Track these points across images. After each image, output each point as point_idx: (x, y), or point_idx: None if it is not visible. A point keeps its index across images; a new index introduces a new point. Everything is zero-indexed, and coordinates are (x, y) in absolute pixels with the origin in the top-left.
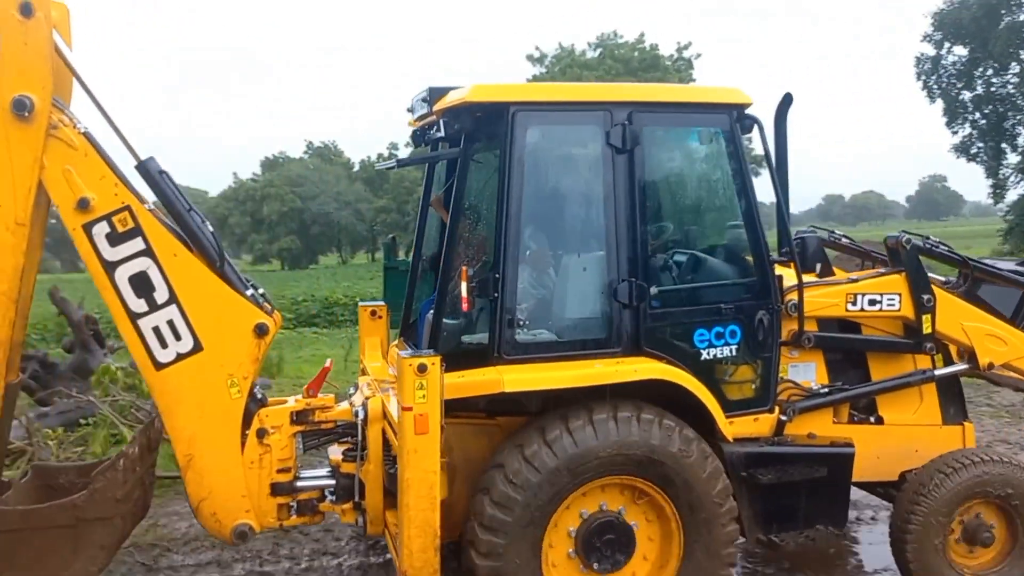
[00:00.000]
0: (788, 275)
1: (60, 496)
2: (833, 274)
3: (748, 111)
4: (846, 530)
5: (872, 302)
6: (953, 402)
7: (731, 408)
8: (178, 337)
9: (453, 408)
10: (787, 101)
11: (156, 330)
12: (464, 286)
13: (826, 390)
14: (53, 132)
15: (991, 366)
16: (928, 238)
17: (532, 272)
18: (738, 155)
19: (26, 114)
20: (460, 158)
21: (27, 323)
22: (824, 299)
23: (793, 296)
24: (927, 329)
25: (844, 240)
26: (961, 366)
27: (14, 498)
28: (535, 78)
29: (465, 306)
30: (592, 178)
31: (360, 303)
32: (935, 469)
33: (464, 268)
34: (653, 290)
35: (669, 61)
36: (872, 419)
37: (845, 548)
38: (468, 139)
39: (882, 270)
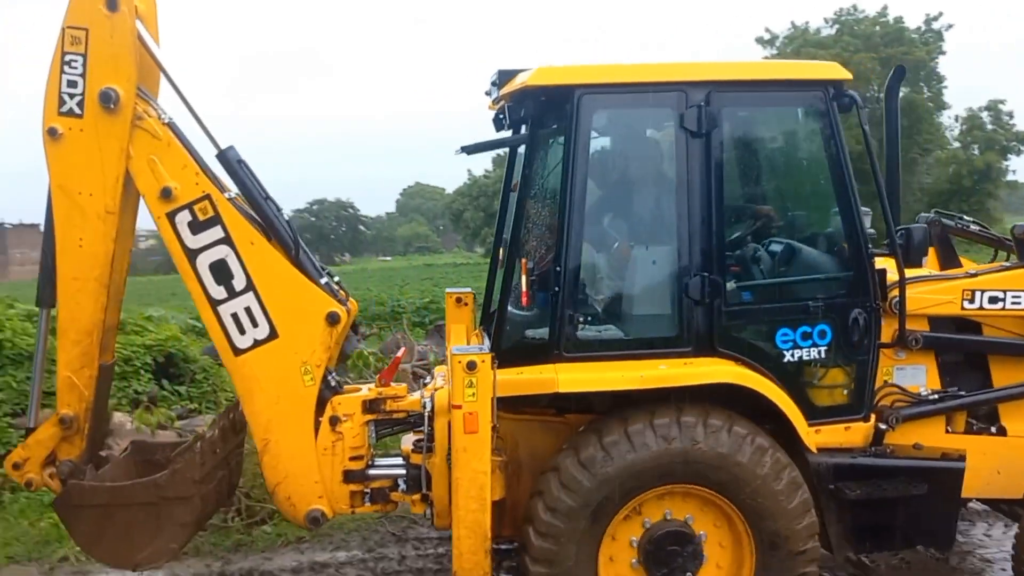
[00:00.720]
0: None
1: (158, 472)
2: (960, 266)
3: (847, 88)
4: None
5: (993, 300)
6: None
7: (818, 415)
8: (255, 324)
9: (520, 404)
10: (898, 75)
11: (235, 316)
12: (524, 279)
13: (936, 396)
14: (138, 123)
15: None
16: None
17: (598, 265)
18: (834, 137)
19: (112, 106)
20: (527, 144)
21: (120, 307)
22: (937, 296)
23: (907, 293)
24: None
25: (974, 227)
26: None
27: (111, 473)
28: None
29: (524, 300)
30: (665, 165)
31: (447, 290)
32: None
33: (524, 260)
34: (730, 285)
35: (915, 34)
36: (993, 429)
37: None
38: (534, 124)
39: (1007, 264)
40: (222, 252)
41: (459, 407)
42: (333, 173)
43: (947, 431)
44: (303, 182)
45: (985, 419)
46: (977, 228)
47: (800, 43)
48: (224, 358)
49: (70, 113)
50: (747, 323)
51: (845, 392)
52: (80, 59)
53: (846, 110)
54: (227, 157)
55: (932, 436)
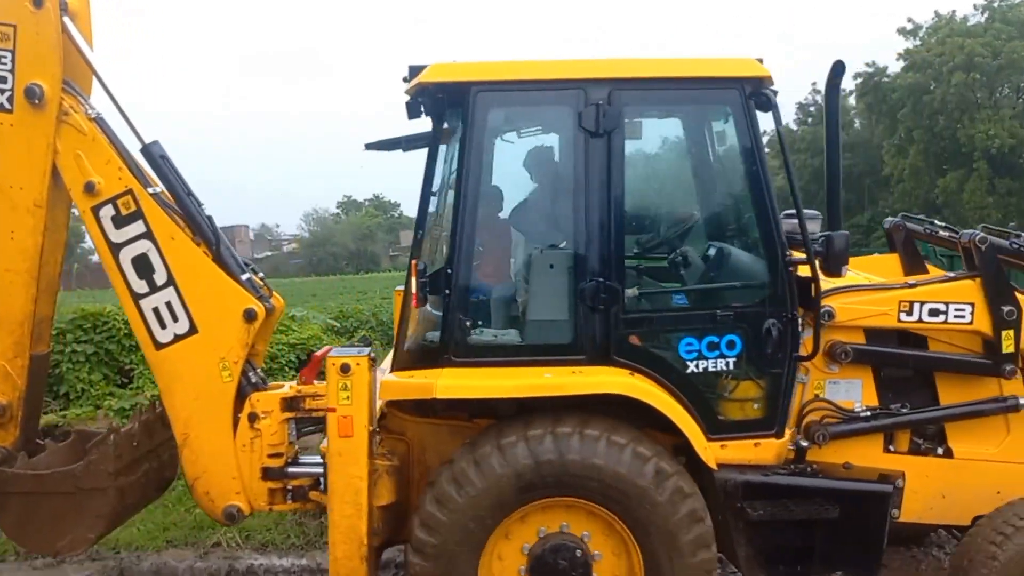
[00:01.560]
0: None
1: None
2: (927, 273)
3: (765, 86)
4: None
5: (934, 312)
6: None
7: (724, 430)
8: (175, 319)
9: (428, 409)
10: (837, 71)
11: (156, 311)
12: (413, 281)
13: (868, 413)
14: (64, 118)
15: None
16: (1021, 235)
17: (491, 268)
18: (750, 137)
19: (37, 101)
20: (429, 143)
21: (55, 299)
22: (871, 307)
23: (830, 302)
24: (1007, 348)
25: (943, 233)
26: None
27: (46, 461)
28: (907, 52)
29: (414, 303)
30: (563, 166)
31: (397, 288)
32: (1001, 521)
33: (414, 262)
34: (630, 292)
35: None
36: (940, 451)
37: None
38: (436, 121)
39: (951, 274)
40: (144, 247)
41: (333, 411)
42: None
43: (888, 451)
44: None
45: (932, 439)
46: (947, 234)
47: (946, 32)
48: (145, 352)
49: (0, 108)
50: (647, 332)
51: (755, 406)
52: (9, 55)
53: (764, 109)
54: (151, 152)
55: (868, 455)
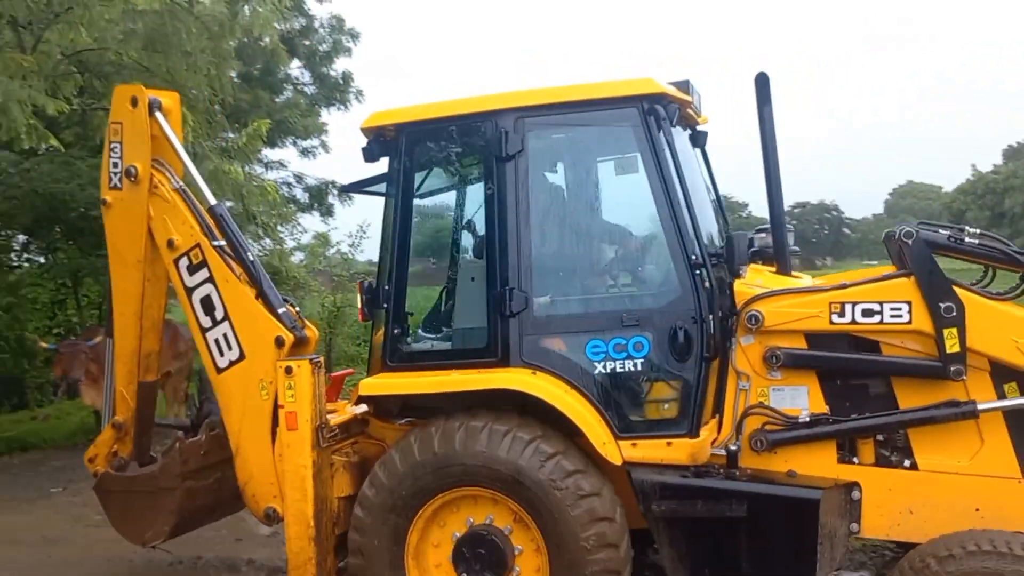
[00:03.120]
0: (768, 280)
1: None
2: None
3: (664, 102)
4: None
5: (868, 312)
6: None
7: (634, 429)
8: (230, 348)
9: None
10: (761, 82)
11: (216, 341)
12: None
13: (810, 420)
14: (154, 191)
15: None
16: (963, 229)
17: (423, 283)
18: (651, 150)
19: (132, 179)
20: (387, 180)
21: (159, 336)
22: (801, 310)
23: (759, 306)
24: (951, 347)
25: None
26: (1020, 400)
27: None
28: None
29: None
30: (479, 190)
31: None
32: (944, 546)
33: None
34: (540, 299)
35: None
36: (907, 463)
37: None
38: (390, 160)
39: (888, 273)
40: (208, 289)
41: (282, 407)
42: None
43: (847, 461)
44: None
45: (898, 451)
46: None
47: None
48: (210, 376)
49: (114, 187)
50: (554, 335)
51: (666, 407)
52: (119, 146)
53: (662, 124)
54: (214, 211)
55: (821, 465)
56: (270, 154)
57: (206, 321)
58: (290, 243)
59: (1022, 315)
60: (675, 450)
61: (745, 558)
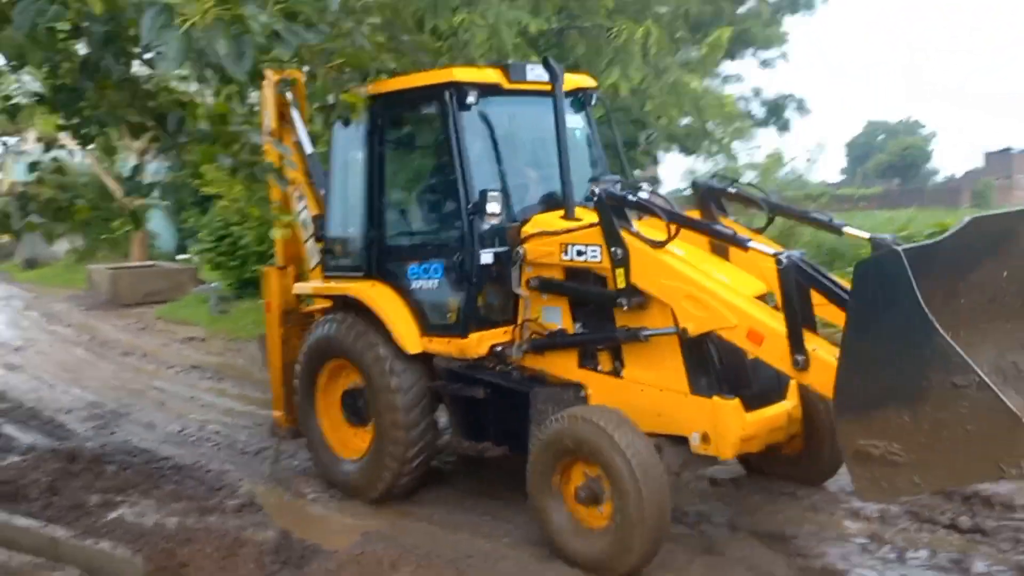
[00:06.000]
0: (548, 223)
1: None
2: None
3: (467, 87)
4: None
5: (580, 253)
6: (704, 372)
7: (431, 330)
8: None
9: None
10: (546, 63)
11: None
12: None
13: (548, 333)
14: None
15: (686, 333)
16: (640, 188)
17: (345, 220)
18: (449, 127)
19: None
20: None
21: None
22: (544, 248)
23: (526, 245)
24: (619, 283)
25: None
26: (667, 329)
27: None
28: None
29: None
30: (362, 157)
31: None
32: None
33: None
34: (389, 233)
35: None
36: (621, 374)
37: None
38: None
39: (594, 221)
40: None
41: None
42: None
43: (582, 366)
44: None
45: (617, 362)
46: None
47: None
48: None
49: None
50: (393, 259)
51: (450, 315)
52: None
53: (465, 106)
54: None
55: (566, 368)
56: (728, 68)
57: None
58: (743, 160)
59: (670, 260)
60: (453, 346)
61: (491, 427)
